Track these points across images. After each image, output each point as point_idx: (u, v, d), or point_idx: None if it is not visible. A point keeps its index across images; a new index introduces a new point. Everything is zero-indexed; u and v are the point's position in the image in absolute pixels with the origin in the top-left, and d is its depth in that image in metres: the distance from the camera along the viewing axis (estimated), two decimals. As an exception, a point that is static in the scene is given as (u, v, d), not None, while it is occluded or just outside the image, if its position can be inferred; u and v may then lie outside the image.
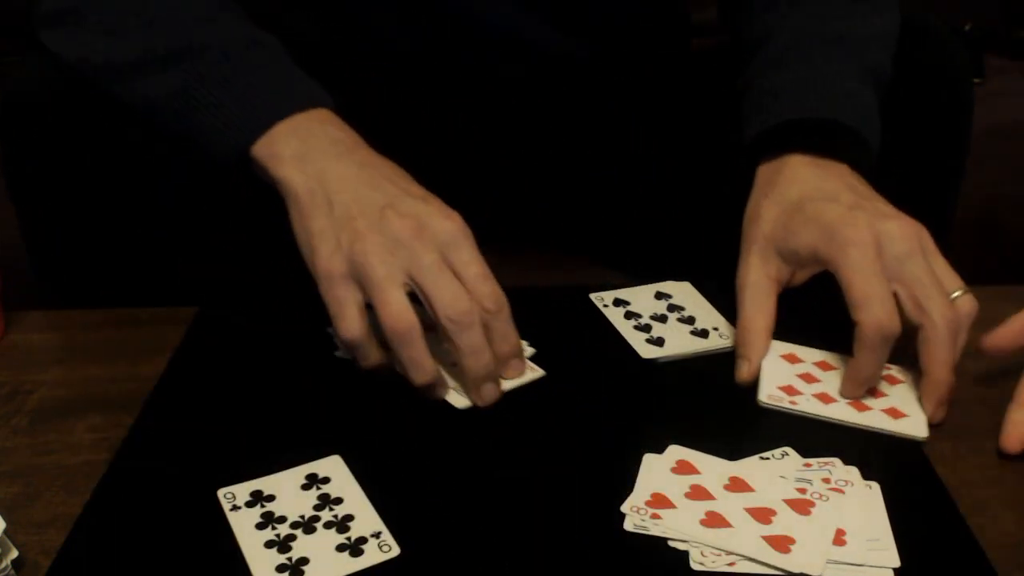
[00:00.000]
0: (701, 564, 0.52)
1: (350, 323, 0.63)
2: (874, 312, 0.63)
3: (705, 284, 0.78)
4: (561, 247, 0.96)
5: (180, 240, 0.80)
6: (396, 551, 0.53)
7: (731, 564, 0.52)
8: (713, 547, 0.53)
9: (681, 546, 0.53)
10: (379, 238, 0.63)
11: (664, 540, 0.54)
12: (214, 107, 0.70)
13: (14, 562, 0.52)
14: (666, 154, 0.91)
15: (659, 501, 0.56)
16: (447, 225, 0.65)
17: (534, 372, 0.68)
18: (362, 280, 0.63)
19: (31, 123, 0.76)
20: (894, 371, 0.67)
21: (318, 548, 0.53)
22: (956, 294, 0.66)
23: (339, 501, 0.56)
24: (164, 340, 0.72)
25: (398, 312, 0.62)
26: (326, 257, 0.64)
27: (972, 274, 0.76)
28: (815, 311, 0.70)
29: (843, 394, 0.65)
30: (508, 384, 0.66)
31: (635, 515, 0.55)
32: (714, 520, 0.54)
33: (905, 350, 0.66)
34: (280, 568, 0.52)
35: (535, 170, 0.93)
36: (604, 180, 0.93)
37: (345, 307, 0.63)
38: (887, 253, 0.64)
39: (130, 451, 0.61)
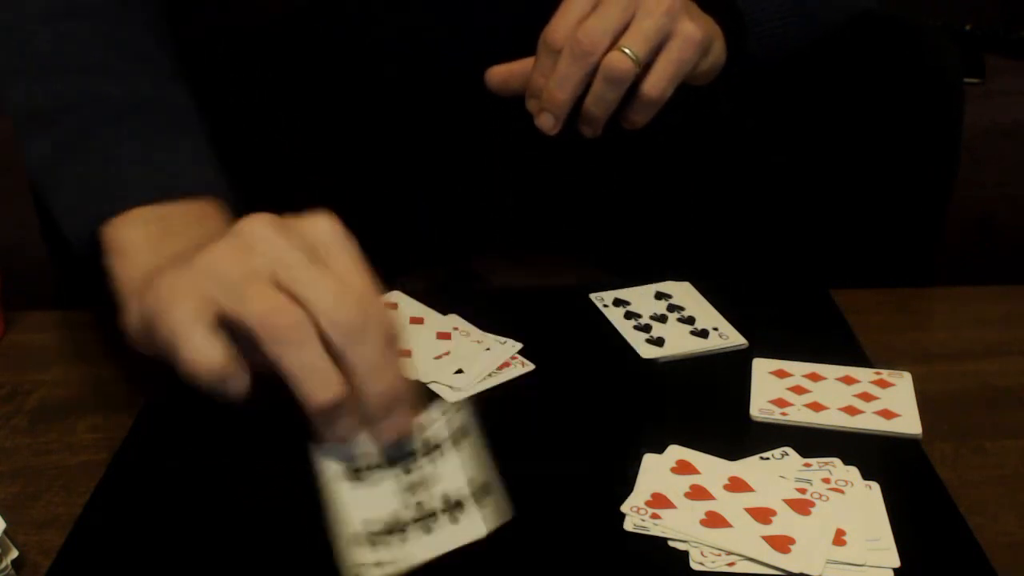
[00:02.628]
0: (701, 564, 0.52)
1: (203, 348, 0.48)
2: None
3: (705, 284, 0.78)
4: (561, 247, 0.96)
5: None
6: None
7: (731, 564, 0.52)
8: (713, 547, 0.53)
9: (681, 546, 0.53)
10: (226, 242, 0.49)
11: (664, 540, 0.54)
12: (65, 183, 0.60)
13: (14, 562, 0.52)
14: (666, 154, 0.91)
15: (659, 501, 0.56)
16: (317, 220, 0.51)
17: (525, 366, 0.68)
18: (218, 294, 0.48)
19: None
20: (884, 375, 0.67)
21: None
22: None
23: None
24: (164, 340, 0.72)
25: (274, 302, 0.46)
26: (164, 289, 0.49)
27: (972, 274, 0.76)
28: (802, 329, 0.70)
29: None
30: (497, 379, 0.66)
31: (635, 515, 0.55)
32: (714, 520, 0.54)
33: (902, 352, 0.66)
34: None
35: (535, 170, 0.93)
36: (604, 180, 0.93)
37: (193, 328, 0.48)
38: None
39: (130, 451, 0.61)
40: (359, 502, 0.49)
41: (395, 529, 0.49)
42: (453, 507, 0.50)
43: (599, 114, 0.67)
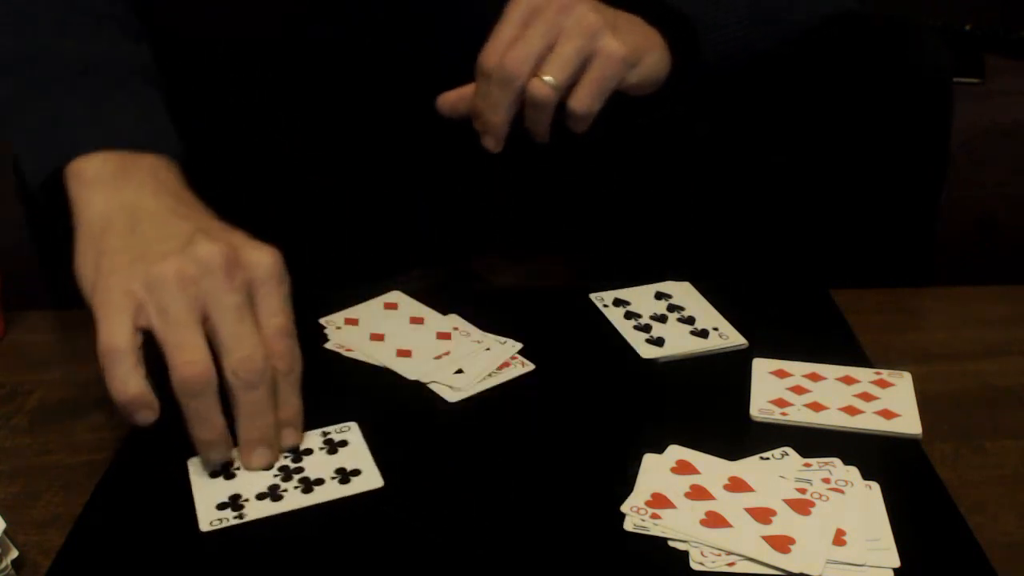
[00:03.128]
0: (701, 564, 0.52)
1: (115, 338, 0.55)
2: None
3: (705, 284, 0.78)
4: (562, 247, 0.96)
5: None
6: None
7: (731, 564, 0.52)
8: (713, 547, 0.53)
9: (681, 546, 0.53)
10: (181, 262, 0.55)
11: (664, 540, 0.54)
12: (33, 125, 0.65)
13: (14, 562, 0.52)
14: (666, 154, 0.91)
15: (659, 501, 0.56)
16: (262, 258, 0.58)
17: (524, 366, 0.69)
18: (154, 308, 0.55)
19: None
20: (884, 375, 0.67)
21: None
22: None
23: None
24: (164, 340, 0.72)
25: (195, 358, 0.54)
26: (111, 273, 0.56)
27: (972, 274, 0.76)
28: (802, 329, 0.71)
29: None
30: (497, 379, 0.66)
31: (635, 515, 0.55)
32: (714, 520, 0.54)
33: (902, 352, 0.66)
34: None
35: (535, 171, 0.93)
36: (604, 180, 0.93)
37: (114, 321, 0.55)
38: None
39: (130, 451, 0.61)
40: None
41: None
42: None
43: (537, 130, 0.70)
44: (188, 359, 0.54)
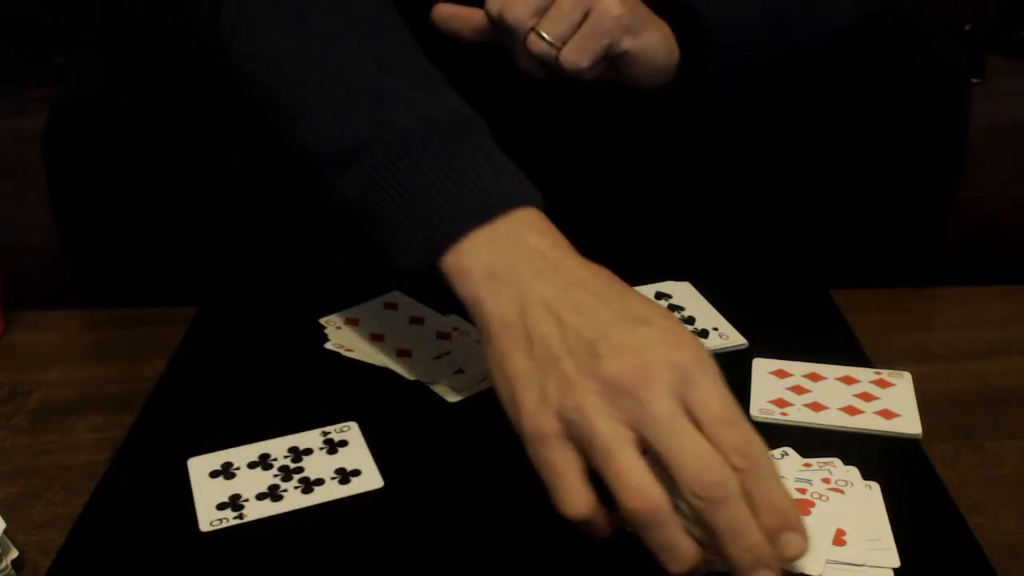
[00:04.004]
0: None
1: (575, 497, 0.49)
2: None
3: (705, 284, 0.78)
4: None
5: (195, 239, 0.81)
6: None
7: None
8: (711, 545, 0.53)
9: None
10: (594, 385, 0.49)
11: None
12: (387, 219, 0.58)
13: (14, 562, 0.52)
14: (666, 155, 0.91)
15: None
16: (677, 357, 0.50)
17: None
18: (582, 442, 0.49)
19: (76, 131, 0.78)
20: (884, 375, 0.67)
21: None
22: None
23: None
24: (164, 340, 0.72)
25: (639, 487, 0.47)
26: (532, 412, 0.51)
27: (973, 274, 0.76)
28: (802, 329, 0.71)
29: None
30: None
31: None
32: None
33: (902, 352, 0.66)
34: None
35: (535, 171, 0.93)
36: (604, 180, 0.93)
37: (566, 477, 0.50)
38: None
39: (130, 451, 0.61)
40: None
41: None
42: None
43: (534, 71, 0.69)
44: (634, 487, 0.48)
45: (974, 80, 1.39)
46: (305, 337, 0.72)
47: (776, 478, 0.49)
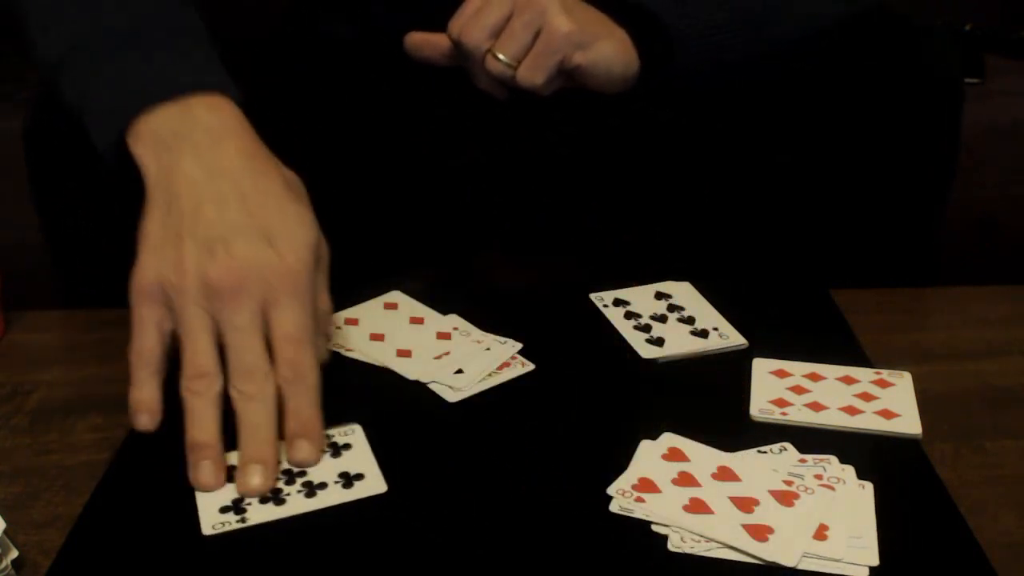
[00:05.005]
0: (679, 548, 0.52)
1: (144, 342, 0.59)
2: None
3: (705, 284, 0.78)
4: (561, 247, 0.96)
5: None
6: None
7: (708, 549, 0.52)
8: (691, 532, 0.53)
9: (663, 530, 0.54)
10: (198, 280, 0.58)
11: (648, 523, 0.54)
12: (94, 91, 0.65)
13: (14, 562, 0.52)
14: (666, 154, 0.91)
15: (645, 485, 0.56)
16: (274, 281, 0.58)
17: (524, 366, 0.69)
18: (173, 311, 0.59)
19: (58, 126, 0.77)
20: (884, 375, 0.67)
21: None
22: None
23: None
24: (164, 340, 0.72)
25: (203, 362, 0.58)
26: (143, 269, 0.60)
27: (973, 274, 0.76)
28: (802, 329, 0.71)
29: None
30: (497, 379, 0.67)
31: (620, 498, 0.55)
32: (696, 506, 0.55)
33: (902, 352, 0.66)
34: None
35: (535, 170, 0.93)
36: (605, 180, 0.93)
37: (146, 329, 0.59)
38: None
39: (130, 451, 0.61)
40: None
41: None
42: None
43: (495, 92, 0.75)
44: (196, 359, 0.58)
45: (974, 80, 1.39)
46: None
47: (312, 394, 0.59)
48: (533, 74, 0.71)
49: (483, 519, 0.56)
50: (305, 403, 0.59)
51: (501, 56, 0.71)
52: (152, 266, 0.59)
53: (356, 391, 0.67)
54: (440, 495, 0.57)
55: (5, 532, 0.52)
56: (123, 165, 0.64)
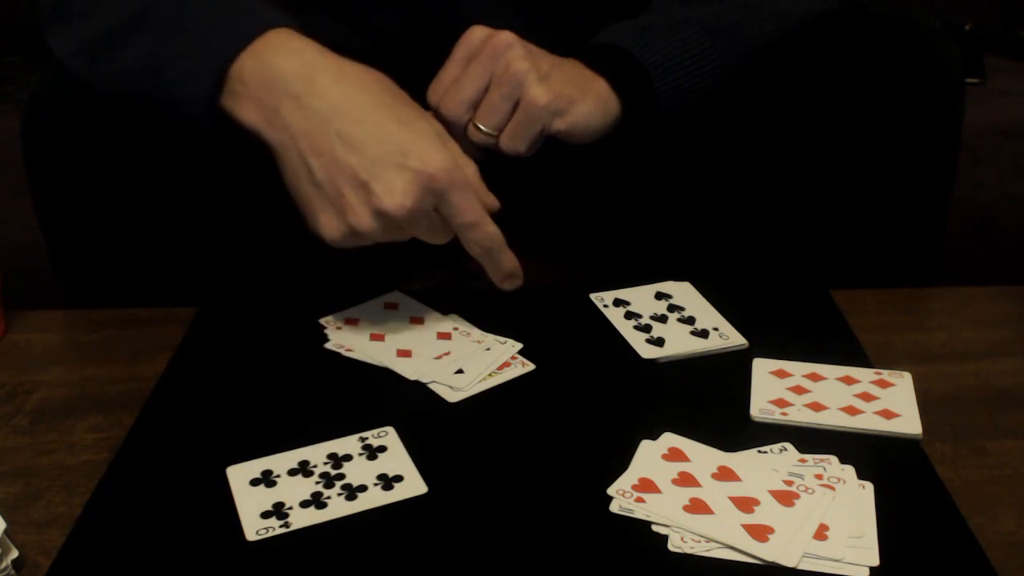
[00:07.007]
0: (679, 548, 0.53)
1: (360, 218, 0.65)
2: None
3: (705, 284, 0.78)
4: (561, 248, 0.96)
5: (192, 239, 0.81)
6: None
7: (708, 549, 0.52)
8: (691, 532, 0.53)
9: (663, 530, 0.54)
10: (372, 213, 0.65)
11: (648, 523, 0.54)
12: (173, 60, 0.69)
13: (14, 562, 0.52)
14: (666, 154, 0.91)
15: (645, 485, 0.56)
16: (433, 185, 0.65)
17: (525, 366, 0.69)
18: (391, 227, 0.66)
19: (55, 124, 0.77)
20: (884, 375, 0.67)
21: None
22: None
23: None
24: (164, 340, 0.72)
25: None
26: (326, 226, 0.66)
27: (973, 274, 0.76)
28: (802, 329, 0.71)
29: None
30: (497, 379, 0.67)
31: (620, 498, 0.56)
32: (697, 507, 0.55)
33: (902, 352, 0.66)
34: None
35: (535, 170, 0.93)
36: (605, 180, 0.93)
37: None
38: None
39: (130, 451, 0.61)
40: None
41: None
42: None
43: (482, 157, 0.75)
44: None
45: (975, 80, 1.40)
46: (305, 337, 0.72)
47: (498, 246, 0.69)
48: (516, 143, 0.73)
49: (483, 519, 0.56)
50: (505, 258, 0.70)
51: (482, 127, 0.73)
52: (333, 220, 0.66)
53: (356, 391, 0.67)
54: (440, 495, 0.57)
55: (5, 532, 0.52)
56: (214, 117, 0.69)
